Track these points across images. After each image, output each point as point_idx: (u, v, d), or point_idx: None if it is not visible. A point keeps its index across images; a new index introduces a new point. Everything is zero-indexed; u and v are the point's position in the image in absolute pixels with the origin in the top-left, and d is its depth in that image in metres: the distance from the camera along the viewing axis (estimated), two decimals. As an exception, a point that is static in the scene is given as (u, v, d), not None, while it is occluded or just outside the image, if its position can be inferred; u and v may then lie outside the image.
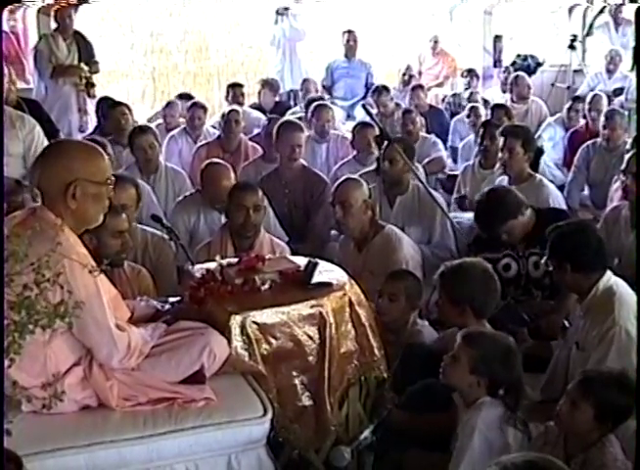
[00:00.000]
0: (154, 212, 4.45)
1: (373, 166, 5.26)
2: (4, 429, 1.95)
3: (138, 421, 2.78)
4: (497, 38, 10.18)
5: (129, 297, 3.41)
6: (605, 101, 7.04)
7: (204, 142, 6.56)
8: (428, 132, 7.19)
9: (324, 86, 9.43)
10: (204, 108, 6.99)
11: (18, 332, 1.88)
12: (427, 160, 6.50)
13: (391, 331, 3.68)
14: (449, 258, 3.94)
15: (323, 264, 3.48)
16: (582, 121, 7.13)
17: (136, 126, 5.94)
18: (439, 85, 10.28)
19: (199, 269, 3.49)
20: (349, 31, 9.60)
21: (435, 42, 10.41)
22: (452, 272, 3.38)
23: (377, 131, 5.24)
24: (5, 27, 9.06)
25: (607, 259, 3.28)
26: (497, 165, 5.27)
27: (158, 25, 12.36)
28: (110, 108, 6.62)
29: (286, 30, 10.22)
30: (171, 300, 3.37)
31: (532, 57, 10.08)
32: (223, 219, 4.49)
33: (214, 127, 7.11)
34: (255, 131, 6.95)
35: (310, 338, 3.17)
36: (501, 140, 4.95)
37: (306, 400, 3.17)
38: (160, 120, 7.44)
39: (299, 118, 6.59)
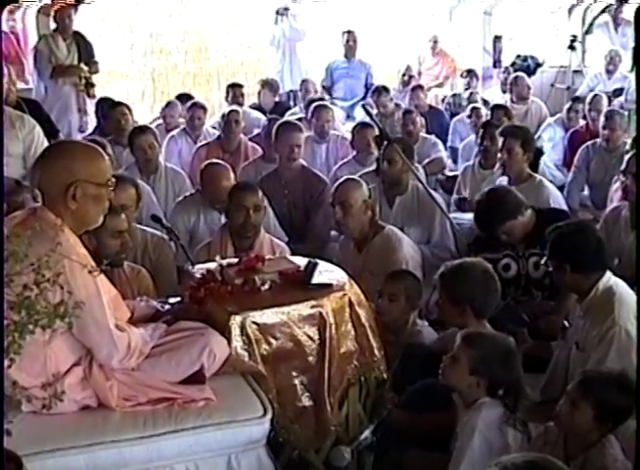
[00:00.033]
0: (154, 213, 4.45)
1: (373, 167, 5.27)
2: (4, 429, 1.95)
3: (138, 421, 2.78)
4: (497, 39, 10.20)
5: (129, 297, 3.41)
6: (605, 101, 7.03)
7: (203, 142, 6.56)
8: (427, 133, 7.18)
9: (324, 86, 9.43)
10: (203, 108, 6.98)
11: (18, 332, 1.88)
12: (427, 160, 6.49)
13: (391, 331, 3.68)
14: (449, 259, 3.95)
15: (323, 265, 3.48)
16: (582, 122, 7.11)
17: (136, 126, 5.94)
18: (439, 86, 10.28)
19: (199, 269, 3.49)
20: (349, 32, 9.60)
21: (435, 42, 10.41)
22: (452, 272, 3.37)
23: (376, 132, 5.25)
24: (5, 27, 9.05)
25: (607, 260, 3.28)
26: (497, 166, 5.27)
27: (157, 26, 12.36)
28: (109, 108, 6.62)
29: (285, 31, 10.22)
30: (171, 300, 3.37)
31: (532, 57, 10.07)
32: (223, 219, 4.49)
33: (214, 128, 7.11)
34: (255, 132, 6.95)
35: (310, 338, 3.17)
36: (500, 140, 4.96)
37: (306, 401, 3.17)
38: (160, 121, 7.45)
39: (299, 119, 6.59)
